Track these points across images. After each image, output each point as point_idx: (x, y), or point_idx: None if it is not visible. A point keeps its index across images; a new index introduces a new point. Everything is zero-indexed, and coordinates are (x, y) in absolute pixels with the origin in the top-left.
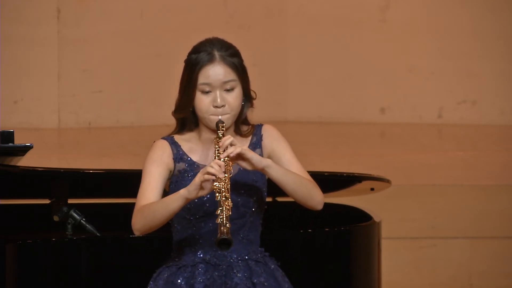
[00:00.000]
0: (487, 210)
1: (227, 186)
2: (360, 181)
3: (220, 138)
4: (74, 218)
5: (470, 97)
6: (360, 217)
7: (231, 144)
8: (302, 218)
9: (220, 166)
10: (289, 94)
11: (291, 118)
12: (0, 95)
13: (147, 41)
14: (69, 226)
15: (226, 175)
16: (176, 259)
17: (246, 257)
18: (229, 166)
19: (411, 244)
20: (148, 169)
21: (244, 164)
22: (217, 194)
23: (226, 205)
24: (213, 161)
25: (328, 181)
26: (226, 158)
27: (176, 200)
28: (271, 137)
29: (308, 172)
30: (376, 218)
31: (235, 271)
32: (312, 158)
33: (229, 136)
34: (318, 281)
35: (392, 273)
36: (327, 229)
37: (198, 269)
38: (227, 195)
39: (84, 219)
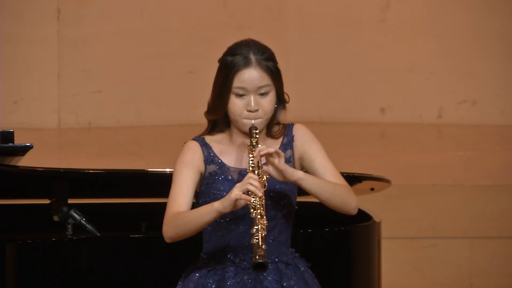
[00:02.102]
0: (487, 210)
1: (262, 202)
2: (360, 181)
3: (254, 146)
4: (74, 218)
5: (470, 97)
6: (360, 217)
7: (268, 154)
8: (302, 217)
9: (256, 183)
10: (289, 94)
11: (291, 118)
12: (0, 95)
13: (147, 41)
14: (69, 226)
15: (262, 190)
16: (206, 261)
17: (276, 260)
18: (264, 179)
19: (411, 244)
20: (179, 173)
21: (276, 175)
22: (252, 211)
23: (262, 223)
24: (248, 175)
25: None
26: (260, 172)
27: (210, 212)
28: (302, 138)
29: None
30: (376, 218)
31: (265, 274)
32: None
33: (264, 147)
34: (318, 281)
35: (392, 273)
36: (327, 229)
37: (228, 272)
38: (263, 212)
39: (84, 219)
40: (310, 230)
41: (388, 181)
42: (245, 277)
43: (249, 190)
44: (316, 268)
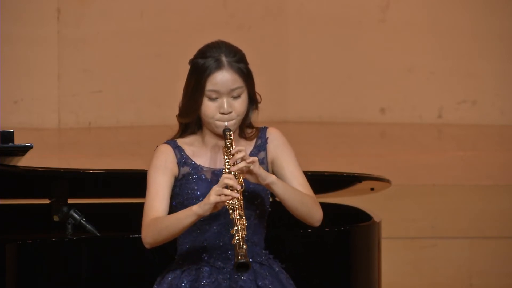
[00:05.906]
0: (487, 210)
1: (240, 203)
2: (360, 181)
3: (228, 147)
4: (74, 218)
5: (470, 97)
6: (360, 217)
7: (242, 158)
8: None
9: (233, 183)
10: (289, 94)
11: (291, 118)
12: (0, 95)
13: (147, 41)
14: (69, 226)
15: (239, 189)
16: (180, 262)
17: (250, 260)
18: (241, 180)
19: (411, 244)
20: (153, 178)
21: (249, 177)
22: (231, 212)
23: (241, 224)
24: (224, 176)
25: (328, 181)
26: (237, 173)
27: (189, 216)
28: (276, 142)
29: (308, 172)
30: (376, 218)
31: (239, 273)
32: (312, 158)
33: (240, 148)
34: (317, 281)
35: (392, 273)
36: (327, 229)
37: (203, 272)
38: (241, 213)
39: (84, 219)
40: (310, 230)
41: (388, 181)
42: (220, 277)
43: (225, 194)
44: (315, 268)
